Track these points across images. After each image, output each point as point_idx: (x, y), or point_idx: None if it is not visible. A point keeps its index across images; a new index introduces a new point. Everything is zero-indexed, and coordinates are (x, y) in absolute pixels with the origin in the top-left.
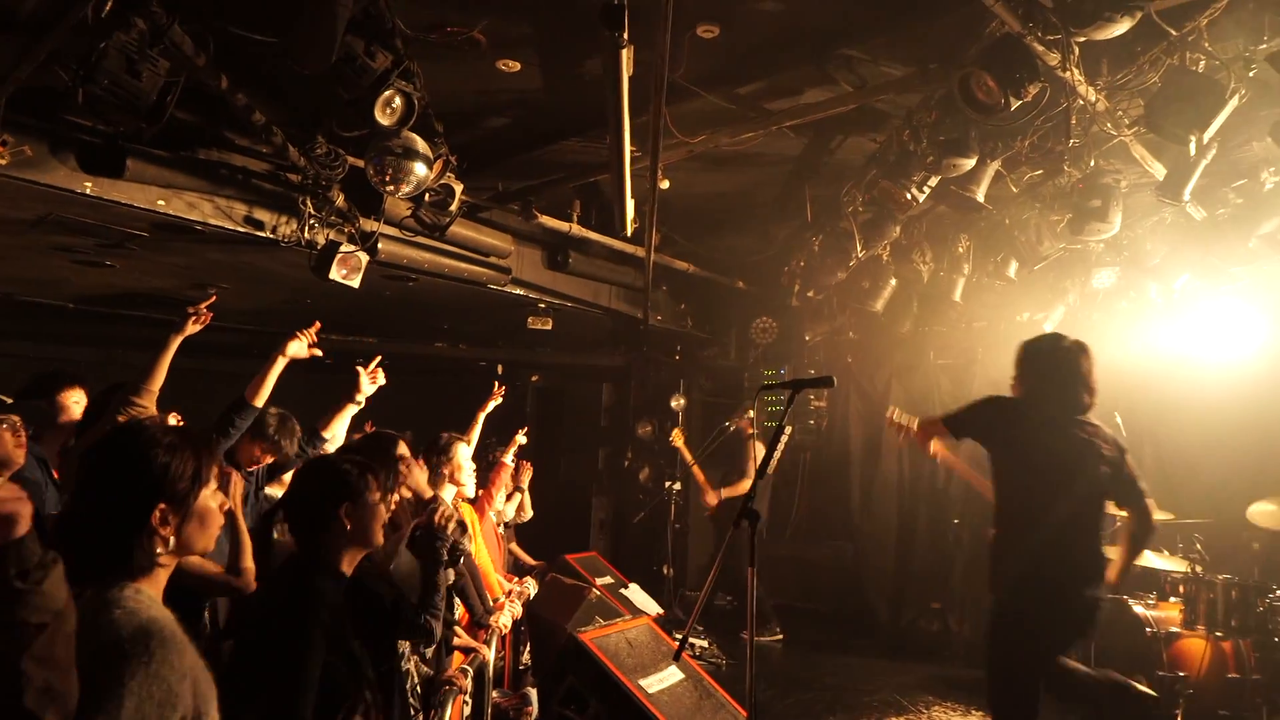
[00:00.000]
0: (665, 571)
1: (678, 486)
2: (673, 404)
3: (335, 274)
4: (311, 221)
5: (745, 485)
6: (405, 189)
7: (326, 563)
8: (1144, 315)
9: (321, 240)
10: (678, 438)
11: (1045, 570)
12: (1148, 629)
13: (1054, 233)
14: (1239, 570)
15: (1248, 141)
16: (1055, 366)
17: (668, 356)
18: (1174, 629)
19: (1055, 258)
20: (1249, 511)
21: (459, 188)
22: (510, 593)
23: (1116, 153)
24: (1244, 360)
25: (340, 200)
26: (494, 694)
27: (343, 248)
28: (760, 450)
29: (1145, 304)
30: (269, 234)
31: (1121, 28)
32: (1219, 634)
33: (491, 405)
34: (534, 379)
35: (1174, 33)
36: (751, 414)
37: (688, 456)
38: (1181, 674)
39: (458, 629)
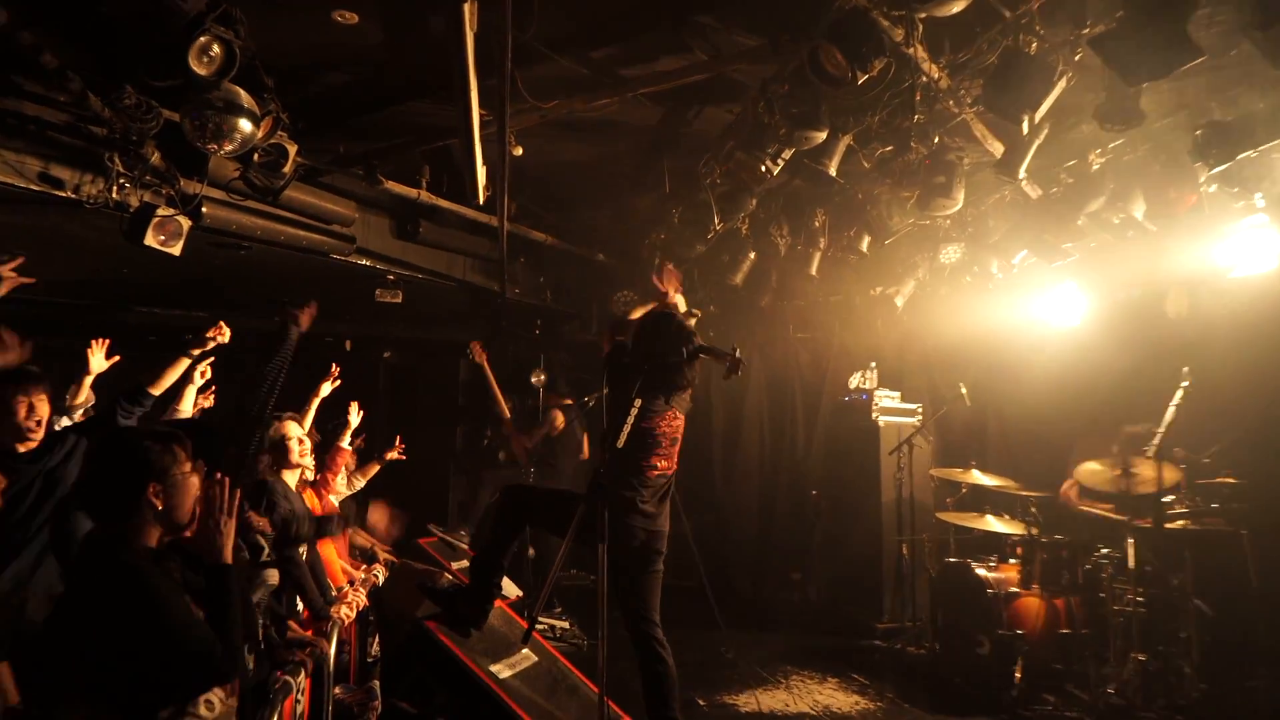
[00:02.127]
0: (529, 553)
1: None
2: (533, 380)
3: (151, 240)
4: (122, 181)
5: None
6: (229, 147)
7: (135, 548)
8: (987, 290)
9: (135, 202)
10: (478, 354)
11: None
12: (989, 590)
13: (904, 208)
14: (1071, 532)
15: (1077, 124)
16: None
17: (527, 331)
18: (1013, 589)
19: (905, 233)
20: (1077, 471)
21: (293, 149)
22: (355, 581)
23: (960, 131)
24: (1075, 331)
25: (156, 158)
26: (337, 690)
27: (160, 211)
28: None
29: (988, 279)
30: (70, 194)
31: (959, 5)
32: (1052, 592)
33: (327, 388)
34: (386, 355)
35: (1009, 14)
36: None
37: (492, 379)
38: (1020, 631)
39: (292, 623)
